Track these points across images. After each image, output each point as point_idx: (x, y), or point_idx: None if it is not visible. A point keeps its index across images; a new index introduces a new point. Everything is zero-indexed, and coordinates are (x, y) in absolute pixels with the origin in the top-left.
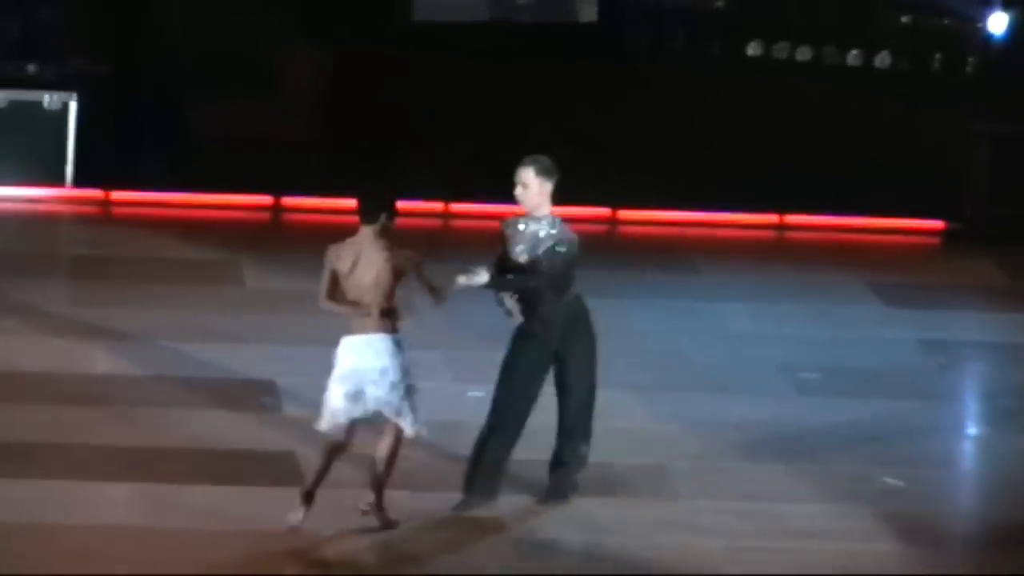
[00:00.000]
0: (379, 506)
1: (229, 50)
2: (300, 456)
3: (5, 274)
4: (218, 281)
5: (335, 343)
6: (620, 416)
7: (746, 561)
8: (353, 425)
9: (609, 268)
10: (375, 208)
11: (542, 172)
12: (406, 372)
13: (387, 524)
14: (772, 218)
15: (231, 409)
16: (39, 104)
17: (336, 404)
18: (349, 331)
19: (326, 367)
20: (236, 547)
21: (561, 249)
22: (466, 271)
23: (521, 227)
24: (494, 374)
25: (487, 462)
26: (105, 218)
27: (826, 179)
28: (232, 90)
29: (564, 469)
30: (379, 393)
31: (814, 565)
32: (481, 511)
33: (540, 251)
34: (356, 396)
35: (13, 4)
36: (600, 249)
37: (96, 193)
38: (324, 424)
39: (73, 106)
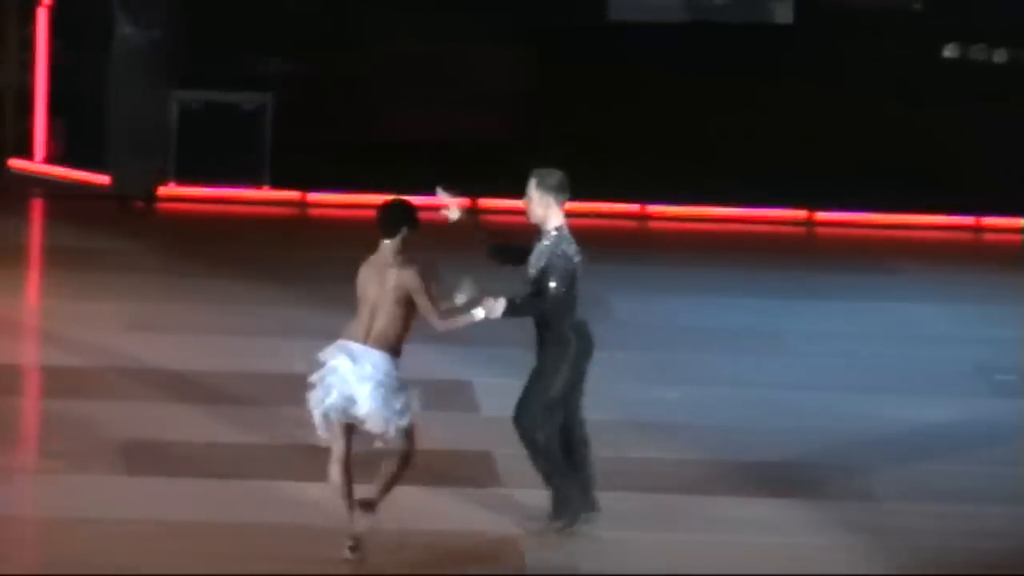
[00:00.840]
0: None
1: (424, 50)
2: (498, 456)
3: (204, 275)
4: None
5: (532, 344)
6: (814, 417)
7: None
8: (348, 431)
9: (806, 268)
10: (394, 222)
11: (542, 186)
12: (401, 388)
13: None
14: (968, 220)
15: (428, 409)
16: (237, 105)
17: (312, 404)
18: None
19: (523, 368)
20: (441, 547)
21: (564, 262)
22: (484, 303)
23: (538, 238)
24: (689, 375)
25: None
26: (301, 219)
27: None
28: (427, 90)
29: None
30: (369, 404)
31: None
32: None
33: (543, 263)
34: (326, 389)
35: (211, 5)
36: (797, 250)
37: (293, 194)
38: (318, 431)
39: (271, 107)
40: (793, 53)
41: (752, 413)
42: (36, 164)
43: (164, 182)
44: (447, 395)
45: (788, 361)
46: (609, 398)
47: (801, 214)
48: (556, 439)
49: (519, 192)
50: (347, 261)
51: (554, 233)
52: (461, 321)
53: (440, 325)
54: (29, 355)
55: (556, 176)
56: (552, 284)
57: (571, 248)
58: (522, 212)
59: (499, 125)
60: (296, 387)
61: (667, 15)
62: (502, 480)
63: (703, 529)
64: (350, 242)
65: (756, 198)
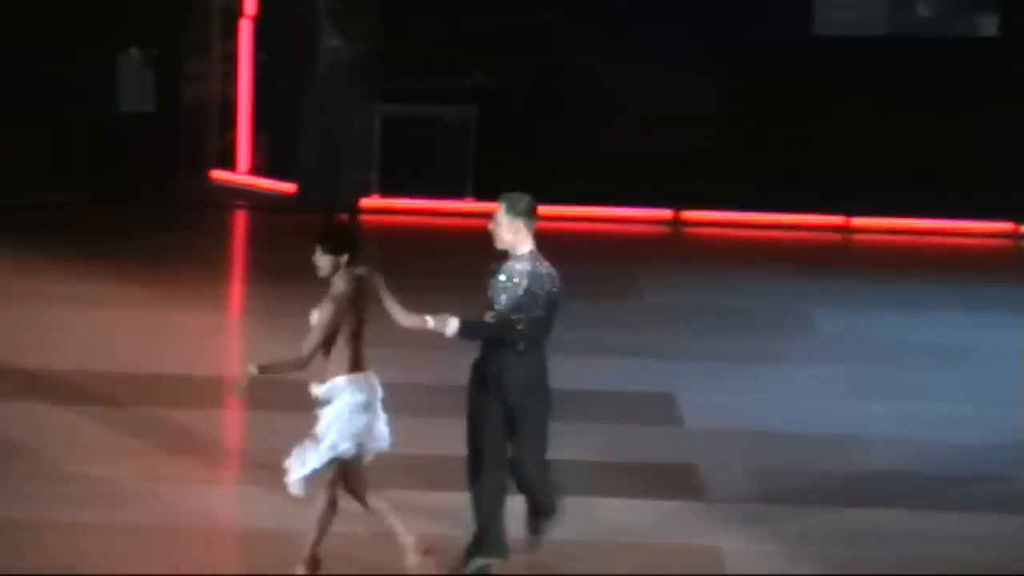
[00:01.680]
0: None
1: (625, 63)
2: (704, 469)
3: (405, 287)
4: (617, 295)
5: (742, 358)
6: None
7: None
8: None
9: (1011, 283)
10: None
11: (511, 210)
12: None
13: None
14: None
15: (630, 422)
16: (440, 118)
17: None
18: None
19: (727, 381)
20: (645, 560)
21: (539, 291)
22: (436, 316)
23: (502, 265)
24: (897, 389)
25: (492, 520)
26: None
27: None
28: (630, 105)
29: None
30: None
31: None
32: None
33: (518, 290)
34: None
35: (414, 20)
36: (1003, 264)
37: (494, 206)
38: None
39: (474, 120)
40: (999, 65)
41: (955, 427)
42: (239, 176)
43: (368, 194)
44: (650, 408)
45: (990, 376)
46: (813, 411)
47: (1007, 227)
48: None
49: (723, 205)
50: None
51: (529, 258)
52: (416, 322)
53: (404, 320)
54: (233, 367)
55: (525, 201)
56: (528, 307)
57: (547, 268)
58: (723, 224)
59: (700, 139)
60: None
61: (871, 29)
62: (706, 493)
63: (911, 544)
64: (553, 255)
65: (961, 210)
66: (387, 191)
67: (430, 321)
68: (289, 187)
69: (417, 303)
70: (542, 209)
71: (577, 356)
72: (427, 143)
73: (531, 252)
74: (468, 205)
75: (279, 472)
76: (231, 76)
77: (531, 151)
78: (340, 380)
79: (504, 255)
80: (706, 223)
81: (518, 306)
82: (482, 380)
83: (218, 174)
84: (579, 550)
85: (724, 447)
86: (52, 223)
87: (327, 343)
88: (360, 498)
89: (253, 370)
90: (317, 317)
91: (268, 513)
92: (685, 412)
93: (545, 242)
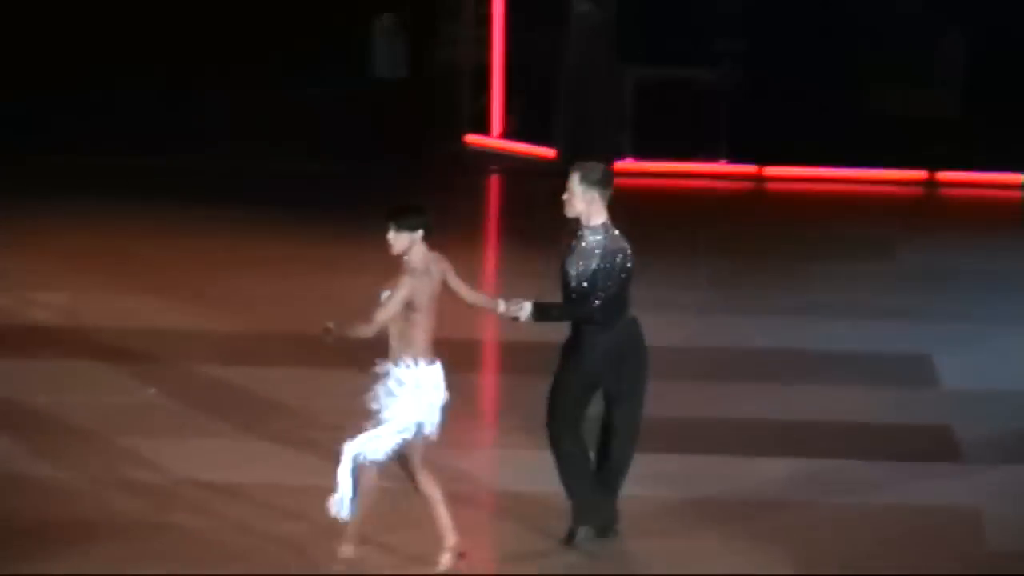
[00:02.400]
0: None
1: (879, 26)
2: (957, 429)
3: (659, 251)
4: (871, 257)
5: (990, 320)
6: None
7: None
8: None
9: None
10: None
11: (585, 180)
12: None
13: None
14: None
15: (884, 385)
16: (693, 81)
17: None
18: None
19: (984, 343)
20: (899, 521)
21: (614, 265)
22: (508, 301)
23: (579, 236)
24: None
25: (580, 493)
26: (757, 193)
27: None
28: (884, 67)
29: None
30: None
31: None
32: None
33: (593, 262)
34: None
35: None
36: None
37: (749, 168)
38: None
39: (726, 82)
40: None
41: None
42: (493, 140)
43: (620, 157)
44: (906, 369)
45: None
46: None
47: None
48: (579, 444)
49: (975, 166)
50: (803, 239)
51: (602, 230)
52: (487, 303)
53: (473, 297)
54: (489, 331)
55: (599, 170)
56: (603, 282)
57: (624, 245)
58: (978, 185)
59: (953, 100)
60: (755, 362)
61: None
62: (963, 455)
63: None
64: (808, 217)
65: None
66: (640, 154)
67: (502, 305)
68: (543, 151)
69: (680, 266)
70: (797, 171)
71: (833, 318)
72: (680, 105)
73: (604, 224)
74: (722, 167)
75: (534, 434)
76: (484, 40)
77: (785, 113)
78: (406, 359)
79: (576, 226)
80: (960, 183)
81: (594, 282)
82: (566, 352)
83: (472, 139)
84: (835, 513)
85: (982, 409)
86: (308, 191)
87: (396, 321)
88: (413, 477)
89: (329, 325)
90: (389, 293)
91: (526, 476)
92: (941, 374)
93: (799, 204)
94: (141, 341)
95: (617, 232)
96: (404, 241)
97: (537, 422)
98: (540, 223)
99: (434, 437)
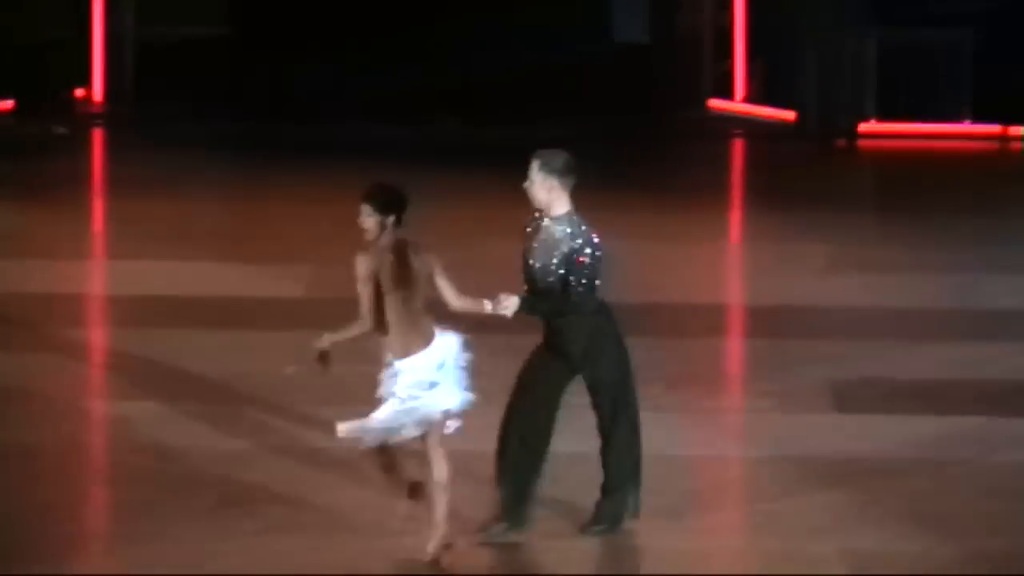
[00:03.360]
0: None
1: None
2: None
3: (903, 211)
4: None
5: None
6: None
7: None
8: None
9: None
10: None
11: (545, 167)
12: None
13: None
14: None
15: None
16: (937, 42)
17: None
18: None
19: None
20: None
21: (585, 256)
22: (493, 299)
23: (539, 224)
24: None
25: (513, 486)
26: (1002, 153)
27: None
28: None
29: (615, 496)
30: None
31: None
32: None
33: (556, 255)
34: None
35: None
36: None
37: (993, 128)
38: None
39: (971, 43)
40: None
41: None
42: (736, 104)
43: (864, 119)
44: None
45: None
46: None
47: None
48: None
49: None
50: None
51: (566, 220)
52: (472, 305)
53: (458, 303)
54: (733, 295)
55: (561, 158)
56: (582, 273)
57: (590, 234)
58: None
59: None
60: (1000, 324)
61: None
62: None
63: None
64: None
65: None
66: (884, 115)
67: (488, 305)
68: (786, 114)
69: (927, 226)
70: None
71: None
72: (923, 67)
73: (567, 214)
74: (966, 128)
75: (782, 397)
76: (726, 4)
77: None
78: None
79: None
80: None
81: (567, 275)
82: (544, 345)
83: (715, 103)
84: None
85: None
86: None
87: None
88: (426, 454)
89: (321, 347)
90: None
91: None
92: None
93: None
94: None
95: (582, 223)
96: (373, 224)
97: (786, 384)
98: (782, 186)
99: (453, 416)
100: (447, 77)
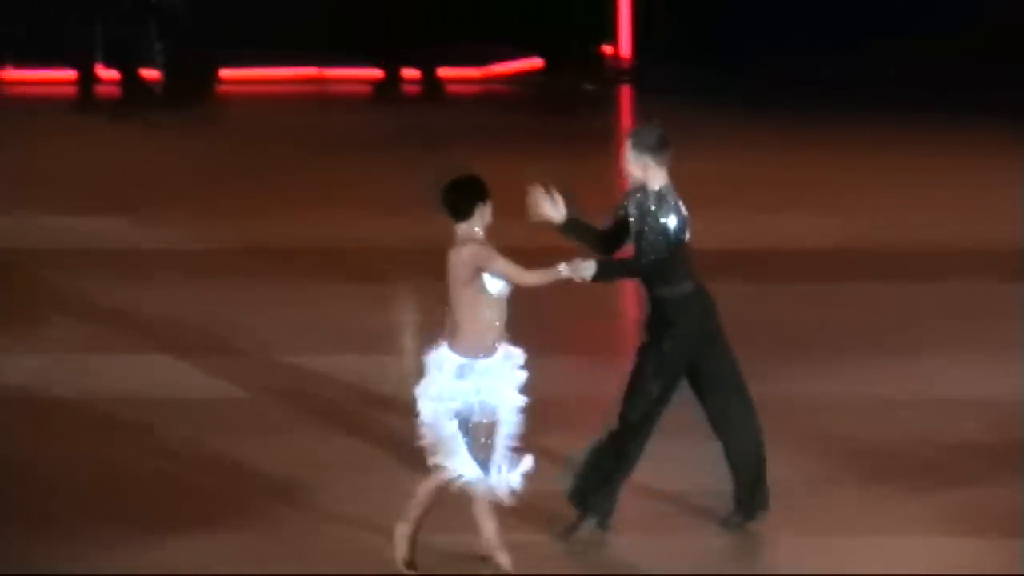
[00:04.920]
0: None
1: None
2: None
3: None
4: None
5: None
6: None
7: None
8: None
9: None
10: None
11: (636, 145)
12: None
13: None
14: None
15: None
16: None
17: None
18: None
19: None
20: None
21: (658, 226)
22: (570, 261)
23: (635, 199)
24: None
25: (603, 480)
26: None
27: None
28: None
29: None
30: None
31: None
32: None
33: (645, 227)
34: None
35: None
36: None
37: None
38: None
39: None
40: None
41: None
42: None
43: None
44: None
45: None
46: None
47: None
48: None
49: None
50: None
51: (655, 193)
52: (548, 275)
53: (528, 278)
54: None
55: (654, 135)
56: (648, 245)
57: (674, 207)
58: None
59: None
60: None
61: None
62: None
63: None
64: None
65: None
66: None
67: (564, 270)
68: None
69: None
70: None
71: None
72: None
73: (660, 190)
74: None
75: None
76: None
77: None
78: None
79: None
80: None
81: (650, 243)
82: (646, 325)
83: None
84: None
85: None
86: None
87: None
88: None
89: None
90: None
91: None
92: None
93: None
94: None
95: (673, 198)
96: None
97: None
98: None
99: (486, 422)
100: None
